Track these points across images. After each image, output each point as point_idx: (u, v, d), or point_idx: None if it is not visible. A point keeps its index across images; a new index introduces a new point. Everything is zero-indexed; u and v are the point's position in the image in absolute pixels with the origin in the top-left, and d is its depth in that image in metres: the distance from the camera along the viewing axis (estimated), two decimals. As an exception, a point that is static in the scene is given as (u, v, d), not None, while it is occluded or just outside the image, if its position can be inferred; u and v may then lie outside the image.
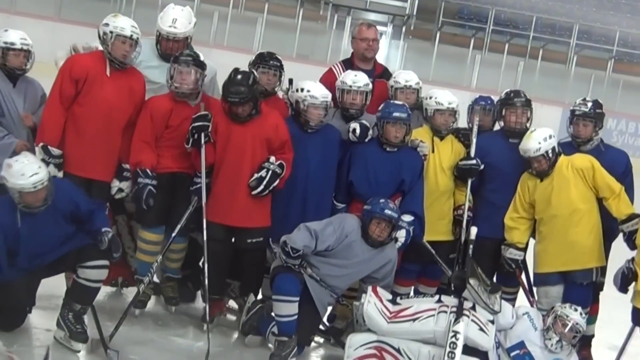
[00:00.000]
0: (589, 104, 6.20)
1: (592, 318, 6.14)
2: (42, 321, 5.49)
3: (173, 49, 6.05)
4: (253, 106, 5.72)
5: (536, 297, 6.18)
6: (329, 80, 6.43)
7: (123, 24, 5.70)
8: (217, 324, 6.00)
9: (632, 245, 5.86)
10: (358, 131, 6.01)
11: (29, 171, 5.03)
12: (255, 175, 5.77)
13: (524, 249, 6.16)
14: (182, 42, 6.09)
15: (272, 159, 5.78)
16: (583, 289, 6.05)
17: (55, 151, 5.55)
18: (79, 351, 5.14)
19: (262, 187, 5.75)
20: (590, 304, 6.10)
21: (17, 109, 5.71)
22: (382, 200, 5.76)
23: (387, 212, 5.68)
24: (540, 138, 5.96)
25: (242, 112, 5.72)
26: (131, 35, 5.67)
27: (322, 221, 5.76)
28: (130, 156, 5.82)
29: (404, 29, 24.21)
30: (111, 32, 5.66)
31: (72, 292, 5.28)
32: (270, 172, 5.76)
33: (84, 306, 5.27)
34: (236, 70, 5.77)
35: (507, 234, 6.15)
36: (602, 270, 6.10)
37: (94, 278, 5.23)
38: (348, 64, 6.70)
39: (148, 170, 5.76)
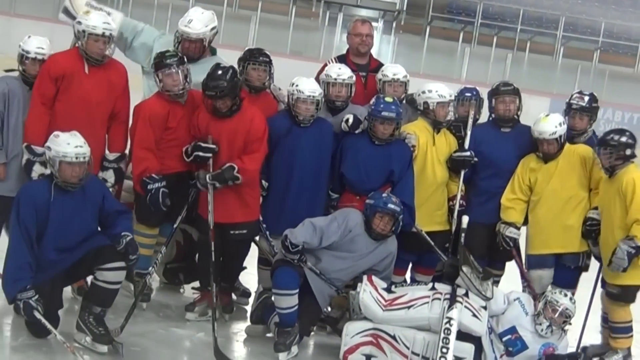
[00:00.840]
0: (586, 98, 6.25)
1: None
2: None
3: (190, 49, 6.05)
4: (232, 101, 5.71)
5: (527, 282, 6.17)
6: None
7: (95, 22, 5.59)
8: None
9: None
10: (351, 121, 6.01)
11: (74, 142, 5.12)
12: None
13: (519, 229, 6.17)
14: (198, 44, 6.08)
15: (236, 170, 5.67)
16: (571, 272, 6.14)
17: (39, 149, 5.49)
18: (104, 353, 5.07)
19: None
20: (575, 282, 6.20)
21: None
22: (384, 195, 5.77)
23: (391, 206, 5.68)
24: (556, 122, 6.02)
25: (222, 106, 5.70)
26: (103, 33, 5.59)
27: (326, 217, 5.77)
28: (134, 166, 5.80)
29: (394, 24, 24.23)
30: (84, 30, 5.58)
31: (91, 295, 5.24)
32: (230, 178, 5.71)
33: (104, 308, 5.23)
34: (217, 65, 5.76)
35: (504, 214, 6.16)
36: (587, 254, 6.17)
37: (112, 280, 5.18)
38: (343, 60, 6.69)
39: (155, 175, 5.73)
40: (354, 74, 6.19)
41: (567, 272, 6.13)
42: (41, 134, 5.48)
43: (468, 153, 6.19)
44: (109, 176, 5.77)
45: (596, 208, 6.04)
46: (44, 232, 5.11)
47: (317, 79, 6.27)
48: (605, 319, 6.09)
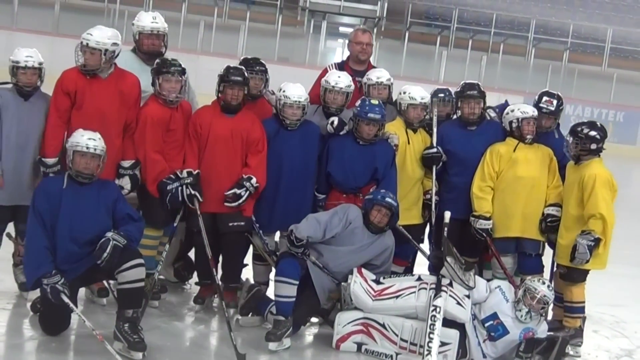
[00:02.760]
0: (555, 102, 6.34)
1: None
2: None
3: (155, 45, 6.02)
4: (244, 94, 5.79)
5: (504, 269, 6.19)
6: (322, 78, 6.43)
7: (94, 37, 5.56)
8: (208, 306, 6.06)
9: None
10: (336, 123, 6.01)
11: (88, 134, 5.15)
12: (235, 190, 5.76)
13: (490, 220, 6.17)
14: (162, 38, 6.06)
15: (254, 180, 5.77)
16: (533, 259, 6.23)
17: (50, 161, 5.47)
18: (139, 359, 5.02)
19: (235, 203, 5.78)
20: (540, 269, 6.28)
21: (27, 124, 5.59)
22: (382, 190, 5.77)
23: (388, 199, 5.68)
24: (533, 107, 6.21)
25: (235, 97, 5.75)
26: (96, 47, 5.54)
27: (328, 212, 5.78)
28: (148, 169, 5.75)
29: (375, 30, 24.21)
30: (80, 43, 5.56)
31: (120, 301, 5.15)
32: (248, 192, 5.76)
33: (136, 310, 5.15)
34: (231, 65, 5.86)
35: (476, 205, 6.17)
36: (543, 244, 6.29)
37: (134, 278, 5.09)
38: (342, 66, 6.70)
39: (172, 175, 5.72)
40: (352, 83, 6.19)
41: (530, 260, 6.22)
42: (56, 146, 5.47)
43: (435, 150, 6.20)
44: (125, 183, 5.69)
45: (554, 205, 6.11)
46: (57, 220, 5.06)
47: (317, 83, 6.33)
48: (558, 298, 6.11)
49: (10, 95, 5.58)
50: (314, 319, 6.00)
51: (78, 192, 5.14)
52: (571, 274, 5.97)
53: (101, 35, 5.57)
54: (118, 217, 5.22)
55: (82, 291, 5.55)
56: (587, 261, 5.80)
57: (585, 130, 5.91)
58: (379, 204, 5.68)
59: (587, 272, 5.98)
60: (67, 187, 5.14)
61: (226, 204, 5.77)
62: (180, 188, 5.68)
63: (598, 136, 5.92)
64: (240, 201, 5.76)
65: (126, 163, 5.70)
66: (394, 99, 6.37)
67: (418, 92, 6.20)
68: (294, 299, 5.54)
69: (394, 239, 5.87)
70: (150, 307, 5.76)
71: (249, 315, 5.85)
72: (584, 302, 6.06)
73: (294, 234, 5.53)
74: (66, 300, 4.94)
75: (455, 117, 6.47)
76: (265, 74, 6.13)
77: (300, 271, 5.58)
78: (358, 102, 6.00)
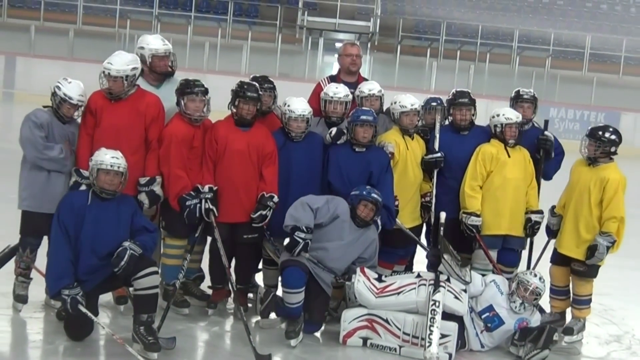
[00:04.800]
0: (530, 90, 6.50)
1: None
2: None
3: (164, 66, 6.00)
4: (257, 109, 5.80)
5: (492, 263, 6.18)
6: (317, 91, 6.43)
7: (113, 66, 5.59)
8: (219, 308, 6.05)
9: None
10: (334, 133, 6.01)
11: (111, 153, 5.19)
12: (261, 212, 5.75)
13: (480, 217, 6.15)
14: (169, 58, 6.04)
15: (275, 198, 5.78)
16: (516, 254, 6.30)
17: (86, 173, 5.46)
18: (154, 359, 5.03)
19: (262, 224, 5.79)
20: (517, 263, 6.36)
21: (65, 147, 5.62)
22: (368, 187, 5.76)
23: (373, 195, 5.67)
24: (517, 113, 6.23)
25: (249, 112, 5.75)
26: (116, 75, 5.57)
27: (320, 198, 5.69)
28: (171, 185, 5.71)
29: (369, 45, 24.30)
30: (102, 72, 5.61)
31: (136, 306, 5.16)
32: (271, 210, 5.77)
33: (150, 314, 5.14)
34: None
35: (468, 203, 6.14)
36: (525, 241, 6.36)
37: (149, 285, 5.10)
38: (334, 79, 6.69)
39: (192, 192, 5.69)
40: (349, 93, 6.18)
41: (512, 254, 6.27)
42: (86, 159, 5.45)
43: (439, 154, 6.20)
44: (143, 198, 5.66)
45: (536, 212, 6.19)
46: (80, 233, 5.07)
47: (312, 97, 6.33)
48: (554, 291, 6.15)
49: (53, 117, 5.59)
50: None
51: (100, 207, 5.15)
52: (590, 271, 5.97)
53: (120, 62, 5.59)
54: (135, 229, 5.23)
55: (102, 298, 5.53)
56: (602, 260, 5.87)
57: (607, 135, 5.92)
58: (365, 199, 5.66)
59: (599, 268, 6.00)
60: (91, 203, 5.16)
61: (254, 224, 5.77)
62: (198, 204, 5.67)
63: (618, 140, 5.95)
64: (267, 220, 5.77)
65: (142, 180, 5.67)
66: (384, 110, 6.36)
67: (408, 100, 6.19)
68: (302, 302, 5.56)
69: (377, 233, 5.84)
70: (179, 315, 5.80)
71: (263, 319, 5.85)
72: (591, 294, 6.09)
73: (289, 221, 5.53)
74: (84, 310, 4.97)
75: (446, 123, 6.47)
76: (273, 90, 6.14)
77: (304, 277, 5.57)
78: (351, 112, 6.02)
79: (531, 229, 6.19)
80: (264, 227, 5.88)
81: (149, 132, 5.71)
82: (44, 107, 5.64)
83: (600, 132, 5.93)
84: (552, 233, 6.29)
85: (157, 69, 5.98)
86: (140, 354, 4.92)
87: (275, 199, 5.78)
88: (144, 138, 5.72)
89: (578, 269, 5.99)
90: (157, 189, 5.70)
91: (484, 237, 6.15)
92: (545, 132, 6.34)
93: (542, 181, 6.40)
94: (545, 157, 6.32)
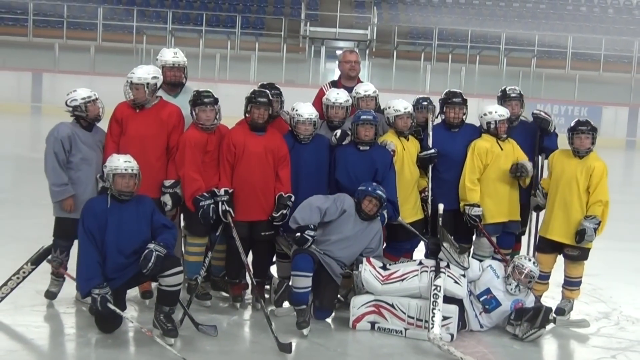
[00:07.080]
0: (517, 89, 6.48)
1: (514, 253, 6.36)
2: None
3: (177, 76, 6.01)
4: (269, 113, 5.79)
5: (496, 248, 6.20)
6: (320, 95, 6.42)
7: (137, 75, 5.66)
8: (236, 299, 6.01)
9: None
10: (338, 135, 6.01)
11: (123, 158, 5.21)
12: (282, 212, 5.75)
13: (480, 207, 6.15)
14: (182, 70, 6.05)
15: (293, 197, 5.78)
16: (513, 236, 6.35)
17: None
18: (171, 344, 5.01)
19: (282, 222, 5.79)
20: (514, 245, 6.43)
21: (93, 151, 5.68)
22: (374, 184, 5.76)
23: (378, 191, 5.66)
24: (506, 109, 6.25)
25: (262, 117, 5.74)
26: (139, 84, 5.64)
27: (327, 198, 5.70)
28: (186, 187, 5.70)
29: (367, 51, 24.33)
30: (128, 81, 5.65)
31: (159, 299, 5.19)
32: (289, 208, 5.76)
33: (172, 307, 5.20)
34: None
35: (468, 195, 6.13)
36: (521, 222, 6.39)
37: (174, 283, 5.13)
38: (335, 84, 6.67)
39: (205, 193, 5.68)
40: (350, 98, 6.17)
41: (510, 237, 6.31)
42: None
43: (432, 150, 6.20)
44: (167, 199, 5.69)
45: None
46: (105, 235, 5.09)
47: (316, 101, 6.31)
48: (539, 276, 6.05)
49: (78, 127, 5.64)
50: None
51: (120, 209, 5.16)
52: (583, 254, 5.97)
53: (142, 72, 5.67)
54: (155, 226, 5.24)
55: (129, 293, 5.53)
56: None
57: (592, 124, 5.94)
58: (370, 195, 5.66)
59: (589, 250, 6.01)
60: (110, 206, 5.16)
61: (274, 223, 5.79)
62: (212, 205, 5.67)
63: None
64: (286, 219, 5.76)
65: (167, 182, 5.71)
66: (381, 107, 6.34)
67: (401, 104, 6.15)
68: (309, 289, 5.54)
69: (380, 224, 5.83)
70: (203, 307, 5.81)
71: (283, 306, 5.86)
72: (582, 276, 6.09)
73: (296, 222, 5.55)
74: (112, 307, 5.00)
75: (438, 121, 6.45)
76: (280, 96, 6.14)
77: (313, 264, 5.57)
78: (353, 115, 6.02)
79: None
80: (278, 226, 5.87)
81: (171, 139, 5.74)
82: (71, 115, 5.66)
83: (590, 125, 5.93)
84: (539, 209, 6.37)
85: (167, 79, 5.98)
86: (159, 338, 4.97)
87: (293, 198, 5.79)
88: (167, 145, 5.75)
89: (572, 253, 5.97)
90: (179, 190, 5.72)
91: (487, 226, 6.16)
92: (535, 111, 6.37)
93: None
94: (543, 133, 6.33)
